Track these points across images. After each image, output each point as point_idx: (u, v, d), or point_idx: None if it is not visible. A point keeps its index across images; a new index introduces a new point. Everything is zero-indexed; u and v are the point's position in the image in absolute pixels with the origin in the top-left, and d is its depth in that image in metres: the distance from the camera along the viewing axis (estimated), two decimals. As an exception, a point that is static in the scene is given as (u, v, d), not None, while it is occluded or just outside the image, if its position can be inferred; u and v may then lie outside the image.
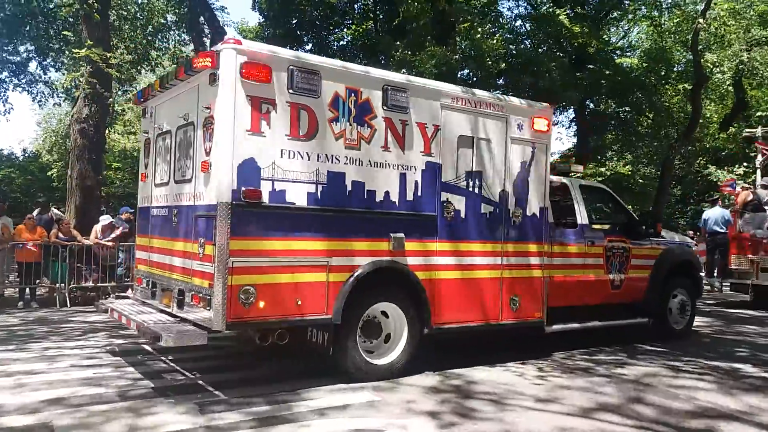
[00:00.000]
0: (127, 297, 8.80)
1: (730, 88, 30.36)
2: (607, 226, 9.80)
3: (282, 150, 6.21)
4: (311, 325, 6.57)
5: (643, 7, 27.44)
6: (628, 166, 31.92)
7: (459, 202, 7.53)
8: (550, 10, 23.86)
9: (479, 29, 18.49)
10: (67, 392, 6.13)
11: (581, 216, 9.20)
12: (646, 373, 7.65)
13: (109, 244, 13.46)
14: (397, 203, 7.02)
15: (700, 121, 27.44)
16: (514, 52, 23.50)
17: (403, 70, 16.50)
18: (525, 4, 27.42)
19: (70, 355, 7.91)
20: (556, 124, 30.15)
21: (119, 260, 13.55)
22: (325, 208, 6.47)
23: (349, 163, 6.68)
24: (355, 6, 24.46)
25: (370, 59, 20.81)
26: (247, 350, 8.11)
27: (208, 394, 6.16)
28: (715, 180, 29.18)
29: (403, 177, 7.07)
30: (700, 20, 24.91)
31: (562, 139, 45.96)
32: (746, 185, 16.86)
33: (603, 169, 28.69)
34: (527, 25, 26.51)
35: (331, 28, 23.90)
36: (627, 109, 27.99)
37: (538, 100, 8.21)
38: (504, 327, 7.93)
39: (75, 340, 8.99)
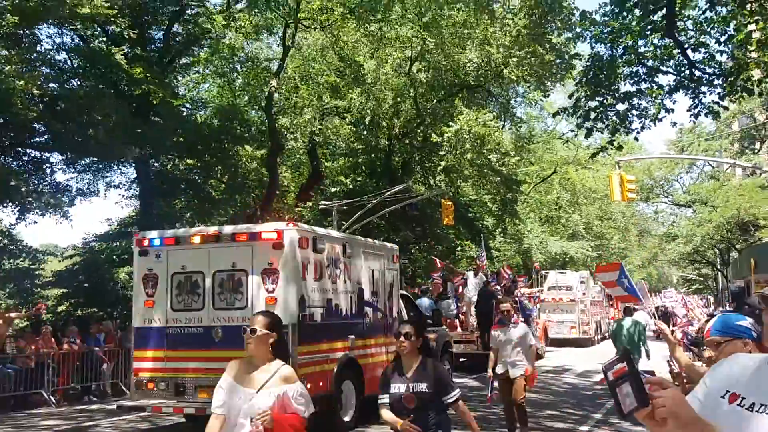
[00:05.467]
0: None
1: (304, 158, 29.88)
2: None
3: (312, 288, 10.06)
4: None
5: (214, 58, 25.58)
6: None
7: (370, 312, 11.95)
8: (104, 46, 20.51)
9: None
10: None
11: (405, 315, 14.21)
12: None
13: None
14: (349, 315, 11.19)
15: (278, 190, 26.91)
16: (56, 93, 19.26)
17: None
18: (72, 35, 21.90)
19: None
20: (117, 186, 26.75)
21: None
22: (327, 322, 10.41)
23: (332, 292, 10.72)
24: None
25: None
26: None
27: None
28: None
29: (350, 298, 11.29)
30: (273, 82, 24.13)
31: (122, 203, 40.54)
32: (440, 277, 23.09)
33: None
34: (74, 61, 21.92)
35: None
36: (197, 171, 25.19)
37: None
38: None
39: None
